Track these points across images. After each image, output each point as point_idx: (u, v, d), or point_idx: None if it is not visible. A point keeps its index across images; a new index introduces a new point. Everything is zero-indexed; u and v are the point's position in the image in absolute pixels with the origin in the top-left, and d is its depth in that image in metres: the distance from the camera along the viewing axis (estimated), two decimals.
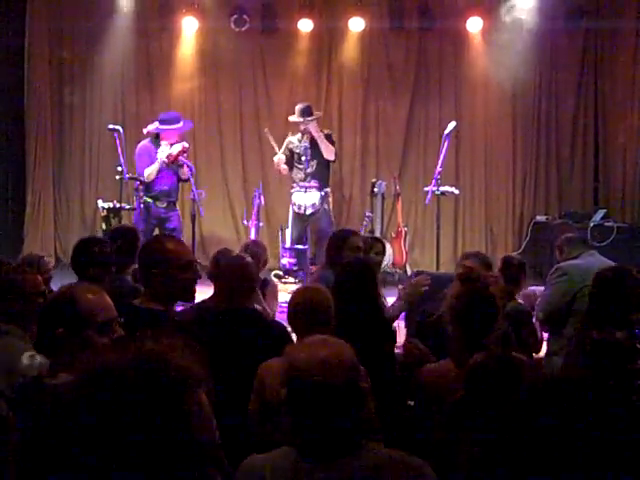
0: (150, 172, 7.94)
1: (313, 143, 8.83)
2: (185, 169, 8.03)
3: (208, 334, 3.63)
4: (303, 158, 8.85)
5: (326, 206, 8.91)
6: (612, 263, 5.23)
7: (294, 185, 8.90)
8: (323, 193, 8.86)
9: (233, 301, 3.98)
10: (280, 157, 8.90)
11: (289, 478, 2.08)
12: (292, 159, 8.97)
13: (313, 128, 8.81)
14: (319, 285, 3.81)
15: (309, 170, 8.85)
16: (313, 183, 8.81)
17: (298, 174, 8.95)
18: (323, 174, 8.99)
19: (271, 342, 3.62)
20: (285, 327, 4.02)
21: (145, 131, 8.30)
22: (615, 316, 3.93)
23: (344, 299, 4.05)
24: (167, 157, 7.90)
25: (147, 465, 1.05)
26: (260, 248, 6.04)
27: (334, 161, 9.09)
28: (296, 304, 3.62)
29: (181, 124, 8.26)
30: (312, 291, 3.69)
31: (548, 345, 5.11)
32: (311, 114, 9.01)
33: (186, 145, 8.00)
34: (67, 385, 1.12)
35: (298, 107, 9.04)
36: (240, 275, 4.01)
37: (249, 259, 4.26)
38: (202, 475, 1.12)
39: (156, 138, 8.13)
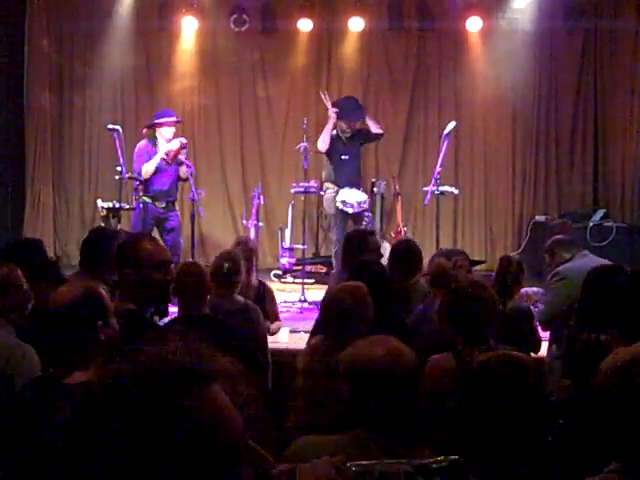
0: (147, 169, 7.91)
1: (352, 139, 8.83)
2: (185, 168, 8.02)
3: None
4: (343, 157, 8.78)
5: (369, 208, 8.87)
6: (606, 261, 5.23)
7: (329, 185, 8.82)
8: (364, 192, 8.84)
9: (188, 308, 4.07)
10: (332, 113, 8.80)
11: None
12: (332, 154, 8.85)
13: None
14: (358, 283, 3.78)
15: (347, 168, 8.78)
16: (351, 182, 8.72)
17: (336, 171, 8.85)
18: (359, 172, 9.00)
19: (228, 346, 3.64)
20: (239, 329, 4.08)
21: (143, 131, 8.32)
22: (605, 315, 3.92)
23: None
24: (166, 154, 7.88)
25: (165, 473, 1.03)
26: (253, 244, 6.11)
27: (382, 135, 9.07)
28: (331, 302, 3.59)
29: (174, 118, 8.30)
30: (348, 289, 3.67)
31: (550, 349, 5.10)
32: (360, 113, 8.98)
33: (184, 140, 7.99)
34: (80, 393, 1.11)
35: (342, 103, 9.03)
36: (185, 282, 4.07)
37: (197, 264, 4.35)
38: (232, 475, 1.09)
39: (154, 137, 8.14)
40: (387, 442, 2.22)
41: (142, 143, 8.17)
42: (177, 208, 8.43)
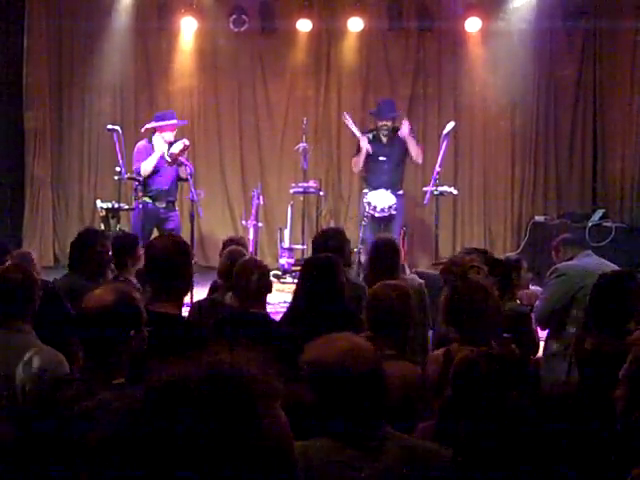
0: (146, 167, 7.89)
1: (390, 140, 8.70)
2: (184, 168, 8.02)
3: (224, 334, 3.69)
4: (381, 158, 8.65)
5: (399, 210, 8.66)
6: (608, 262, 5.23)
7: (365, 185, 8.77)
8: (398, 195, 8.65)
9: (248, 304, 4.04)
10: (364, 143, 8.71)
11: (334, 468, 2.13)
12: (366, 158, 8.76)
13: (406, 128, 8.65)
14: (400, 283, 3.77)
15: (384, 169, 8.65)
16: (385, 183, 8.59)
17: (371, 172, 8.74)
18: (397, 174, 8.81)
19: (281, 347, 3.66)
20: (293, 333, 4.07)
21: (142, 129, 8.32)
22: (613, 322, 3.82)
23: (311, 293, 4.09)
24: (170, 156, 7.89)
25: None
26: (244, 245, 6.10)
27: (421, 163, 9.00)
28: (370, 298, 3.58)
29: (175, 121, 8.29)
30: (391, 288, 3.66)
31: (546, 346, 5.08)
32: (393, 111, 8.87)
33: (187, 143, 7.99)
34: (128, 397, 1.08)
35: (380, 104, 9.00)
36: (257, 279, 4.06)
37: (258, 260, 4.31)
38: None
39: (153, 137, 8.15)
40: (355, 451, 2.15)
41: (141, 143, 8.17)
42: (177, 208, 8.44)
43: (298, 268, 9.40)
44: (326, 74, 10.72)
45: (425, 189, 8.38)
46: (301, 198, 9.84)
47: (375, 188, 8.61)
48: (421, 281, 5.09)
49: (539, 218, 10.26)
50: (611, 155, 10.47)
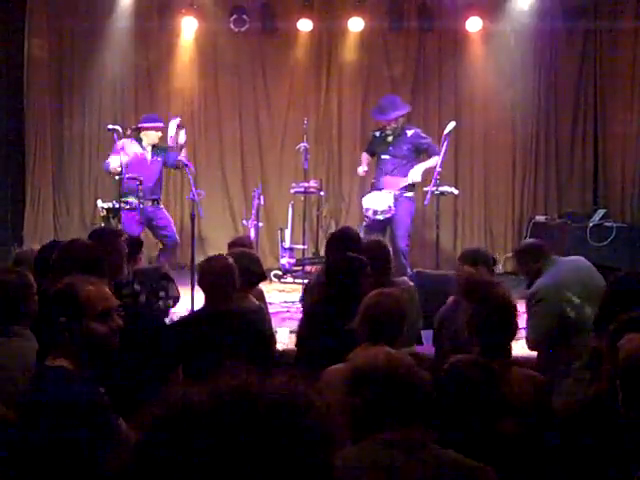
0: (113, 162, 7.91)
1: (397, 136, 8.47)
2: (183, 158, 8.10)
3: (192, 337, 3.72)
4: (383, 157, 8.40)
5: (402, 212, 8.29)
6: (578, 261, 5.18)
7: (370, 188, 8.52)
8: (405, 197, 8.30)
9: (212, 304, 4.05)
10: (361, 170, 8.60)
11: (379, 468, 2.20)
12: (375, 154, 8.55)
13: (417, 178, 8.32)
14: (394, 291, 3.76)
15: (387, 169, 8.41)
16: (388, 184, 8.33)
17: (376, 171, 8.47)
18: (402, 175, 8.42)
19: (248, 344, 3.70)
20: (260, 328, 4.11)
21: (129, 131, 8.39)
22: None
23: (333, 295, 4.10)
24: (175, 143, 8.05)
25: None
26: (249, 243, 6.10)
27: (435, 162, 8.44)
28: (367, 308, 3.56)
29: (161, 124, 8.42)
30: (384, 297, 3.63)
31: (551, 367, 4.73)
32: (395, 109, 8.51)
33: (177, 121, 8.17)
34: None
35: (380, 103, 8.82)
36: (216, 276, 4.08)
37: (229, 260, 4.29)
38: None
39: (139, 139, 8.32)
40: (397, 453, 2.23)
41: (126, 140, 8.19)
42: (162, 206, 8.55)
43: (299, 268, 9.46)
44: (327, 74, 10.71)
45: (426, 189, 8.36)
46: (302, 198, 9.83)
47: (376, 188, 8.50)
48: (411, 283, 5.20)
49: (540, 218, 10.24)
50: (612, 155, 10.46)
